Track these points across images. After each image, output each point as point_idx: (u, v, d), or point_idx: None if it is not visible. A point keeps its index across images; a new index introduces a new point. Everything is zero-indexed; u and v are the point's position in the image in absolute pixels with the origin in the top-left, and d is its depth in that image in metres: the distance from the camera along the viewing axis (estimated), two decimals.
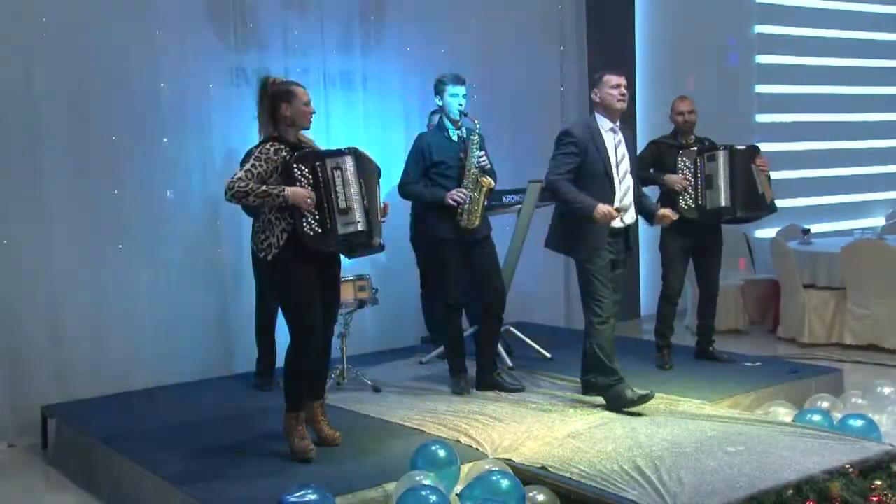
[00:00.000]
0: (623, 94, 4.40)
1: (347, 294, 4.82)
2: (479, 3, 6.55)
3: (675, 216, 4.70)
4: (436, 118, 4.98)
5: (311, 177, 3.77)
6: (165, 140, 5.31)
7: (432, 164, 4.73)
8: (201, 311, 5.42)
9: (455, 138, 4.78)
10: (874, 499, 3.31)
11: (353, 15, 5.99)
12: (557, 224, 4.52)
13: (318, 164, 3.78)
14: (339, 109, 5.88)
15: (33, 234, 4.93)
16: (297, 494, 3.14)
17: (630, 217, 4.49)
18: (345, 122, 5.87)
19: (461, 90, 4.73)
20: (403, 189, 4.83)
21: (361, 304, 4.95)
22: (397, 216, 5.28)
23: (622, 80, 4.42)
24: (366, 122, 5.98)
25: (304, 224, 3.75)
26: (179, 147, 5.35)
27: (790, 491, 3.30)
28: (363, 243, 3.94)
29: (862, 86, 8.95)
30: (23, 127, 4.90)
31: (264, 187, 3.72)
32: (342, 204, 3.79)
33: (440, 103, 4.78)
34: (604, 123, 4.42)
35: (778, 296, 6.86)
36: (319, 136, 5.50)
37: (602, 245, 4.36)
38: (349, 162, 3.84)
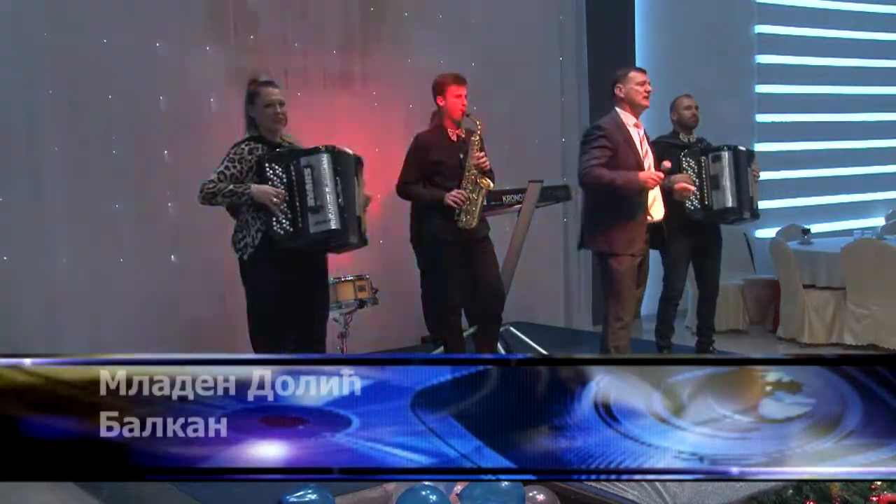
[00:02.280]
0: (648, 92, 4.45)
1: (347, 294, 4.82)
2: (479, 2, 6.55)
3: (691, 186, 4.74)
4: (436, 119, 4.98)
5: (283, 175, 3.77)
6: (164, 139, 5.30)
7: (431, 165, 4.73)
8: (201, 311, 5.42)
9: (454, 139, 4.78)
10: (874, 499, 3.30)
11: (353, 15, 5.99)
12: (589, 222, 4.50)
13: (291, 162, 3.77)
14: (339, 109, 5.87)
15: (32, 236, 4.94)
16: (297, 494, 3.14)
17: (659, 212, 4.47)
18: (345, 123, 5.86)
19: (463, 91, 4.73)
20: (402, 189, 4.83)
21: (361, 304, 4.95)
22: (397, 216, 5.30)
23: (647, 78, 4.48)
24: (366, 122, 5.98)
25: (275, 223, 3.74)
26: (178, 146, 5.35)
27: (790, 491, 3.30)
28: (339, 242, 3.91)
29: (862, 86, 8.95)
30: (22, 128, 4.90)
31: (231, 187, 3.72)
32: (311, 202, 3.76)
33: (441, 104, 4.77)
34: (628, 119, 4.44)
35: (778, 296, 6.85)
36: (319, 136, 5.50)
37: (635, 244, 4.34)
38: (324, 160, 3.81)
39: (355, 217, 3.92)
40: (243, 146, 3.82)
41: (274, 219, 3.73)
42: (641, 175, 4.27)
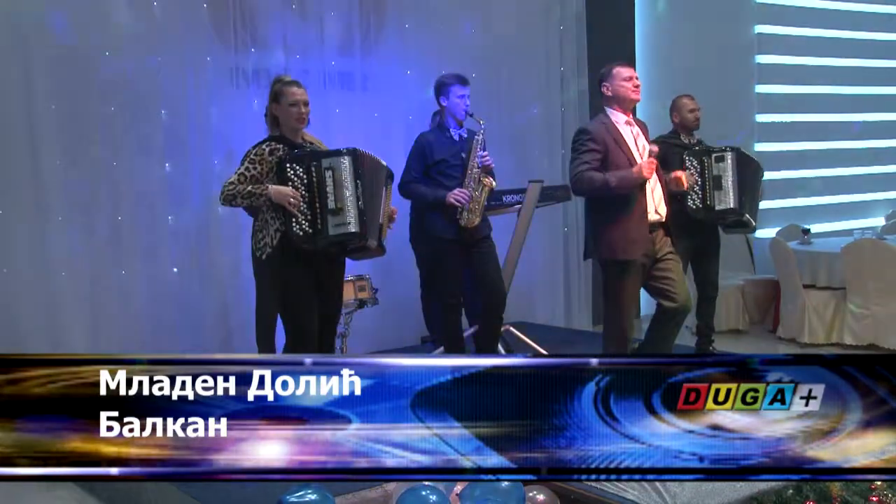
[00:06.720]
0: (637, 85, 4.30)
1: (347, 294, 4.82)
2: (479, 2, 6.56)
3: (685, 178, 4.66)
4: (437, 118, 4.98)
5: (304, 176, 3.75)
6: (166, 145, 5.30)
7: (433, 164, 4.74)
8: (201, 311, 5.42)
9: (457, 138, 4.79)
10: (874, 499, 3.30)
11: (353, 15, 5.98)
12: (589, 229, 4.40)
13: (312, 164, 3.76)
14: (340, 109, 5.87)
15: (32, 234, 4.93)
16: (297, 494, 3.14)
17: (664, 209, 4.33)
18: (345, 123, 5.86)
19: (466, 91, 4.74)
20: (404, 189, 4.83)
21: (361, 304, 4.95)
22: (398, 216, 5.29)
23: (633, 72, 4.33)
24: (366, 122, 5.97)
25: (294, 224, 3.73)
26: (178, 147, 5.35)
27: (790, 491, 3.30)
28: (357, 246, 3.90)
29: (862, 86, 8.95)
30: (24, 135, 4.89)
31: (249, 188, 3.72)
32: (332, 204, 3.75)
33: (444, 104, 4.78)
34: (618, 118, 4.31)
35: (778, 296, 6.86)
36: (319, 136, 5.50)
37: (638, 246, 4.19)
38: (346, 162, 3.80)
39: (377, 223, 3.90)
40: (264, 147, 3.82)
41: (293, 220, 3.73)
42: (635, 168, 4.13)
